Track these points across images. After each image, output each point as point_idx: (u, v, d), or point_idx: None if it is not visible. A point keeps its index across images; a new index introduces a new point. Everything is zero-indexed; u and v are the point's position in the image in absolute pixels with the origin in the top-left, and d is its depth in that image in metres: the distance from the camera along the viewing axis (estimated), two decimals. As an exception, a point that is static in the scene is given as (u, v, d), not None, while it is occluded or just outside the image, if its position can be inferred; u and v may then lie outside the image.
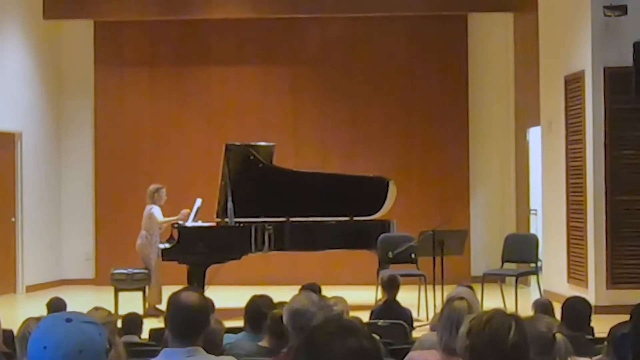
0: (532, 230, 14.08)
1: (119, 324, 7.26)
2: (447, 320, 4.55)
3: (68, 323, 2.47)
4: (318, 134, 15.57)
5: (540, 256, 12.21)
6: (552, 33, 13.07)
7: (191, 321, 4.04)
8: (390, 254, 11.27)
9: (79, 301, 10.09)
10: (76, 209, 15.77)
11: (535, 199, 14.31)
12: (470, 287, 6.12)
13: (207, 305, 4.25)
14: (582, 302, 6.29)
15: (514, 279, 11.57)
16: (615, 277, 11.49)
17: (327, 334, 2.32)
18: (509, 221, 14.91)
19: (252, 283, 12.99)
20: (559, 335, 4.49)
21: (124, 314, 7.71)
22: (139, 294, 11.57)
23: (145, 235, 11.89)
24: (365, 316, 8.15)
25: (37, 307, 8.82)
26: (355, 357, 2.28)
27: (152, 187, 12.15)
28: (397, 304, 8.75)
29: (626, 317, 4.25)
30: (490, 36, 15.56)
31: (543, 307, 6.71)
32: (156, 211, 11.93)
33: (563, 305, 6.19)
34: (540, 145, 13.64)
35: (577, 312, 6.08)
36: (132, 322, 7.39)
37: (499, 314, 3.24)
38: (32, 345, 2.46)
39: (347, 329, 2.34)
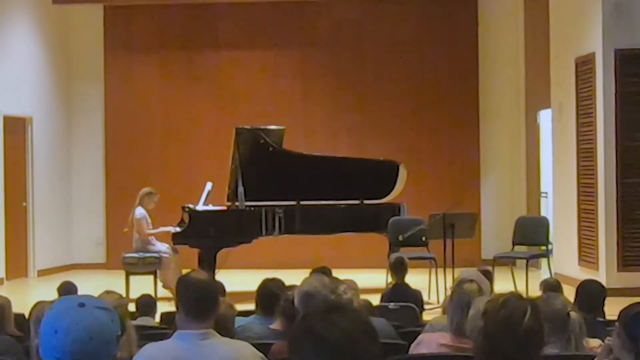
0: (543, 213, 14.06)
1: (133, 306, 7.30)
2: (457, 302, 4.56)
3: (81, 308, 2.46)
4: (328, 117, 15.55)
5: (551, 239, 12.20)
6: (562, 15, 13.01)
7: (202, 299, 4.06)
8: (400, 237, 11.27)
9: (90, 285, 10.13)
10: (87, 194, 15.80)
11: (546, 182, 14.29)
12: (488, 271, 6.11)
13: (216, 283, 4.27)
14: (596, 285, 6.28)
15: (524, 261, 11.55)
16: (626, 260, 11.47)
17: (323, 315, 2.31)
18: (520, 204, 14.88)
19: (262, 267, 13.01)
20: (573, 314, 4.49)
21: (138, 297, 7.74)
22: (150, 277, 11.59)
23: (137, 238, 11.89)
24: (375, 299, 8.16)
25: (48, 291, 8.86)
26: (360, 330, 2.28)
27: (145, 189, 12.09)
28: (407, 286, 8.75)
29: (637, 299, 4.24)
30: (501, 18, 15.48)
31: (551, 287, 6.69)
32: (139, 214, 11.88)
33: (578, 287, 6.17)
34: (551, 128, 13.61)
35: (591, 294, 6.07)
36: (147, 305, 7.43)
37: (515, 298, 3.25)
38: (44, 328, 2.46)
39: (341, 307, 2.35)
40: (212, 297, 4.12)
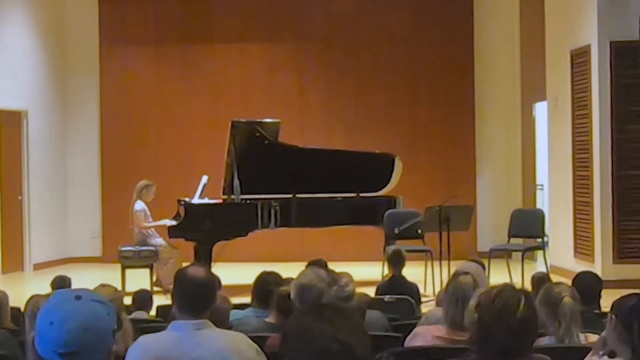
0: (539, 206, 14.08)
1: (129, 300, 7.31)
2: (453, 295, 4.56)
3: (77, 300, 2.47)
4: (323, 110, 15.54)
5: (546, 231, 12.20)
6: (557, 7, 13.01)
7: (198, 296, 4.06)
8: (396, 230, 11.26)
9: (86, 279, 10.12)
10: (82, 187, 15.78)
11: (542, 174, 14.30)
12: (478, 261, 6.12)
13: (214, 280, 4.27)
14: (592, 276, 6.28)
15: (520, 254, 11.57)
16: (622, 252, 11.49)
17: (314, 315, 2.32)
18: (515, 196, 14.89)
19: (258, 260, 13.02)
20: (567, 299, 4.48)
21: (135, 291, 7.74)
22: (146, 271, 11.60)
23: (137, 231, 11.88)
24: (371, 292, 8.16)
25: (44, 285, 8.84)
26: (348, 331, 2.28)
27: (142, 182, 12.07)
28: (403, 279, 8.74)
29: (632, 291, 4.23)
30: (496, 11, 15.48)
31: (540, 281, 6.71)
32: (138, 207, 11.86)
33: (574, 279, 6.18)
34: (547, 120, 13.61)
35: (588, 287, 6.06)
36: (142, 299, 7.47)
37: (508, 288, 3.25)
38: (40, 320, 2.46)
39: (332, 307, 2.37)
40: (207, 295, 4.11)
